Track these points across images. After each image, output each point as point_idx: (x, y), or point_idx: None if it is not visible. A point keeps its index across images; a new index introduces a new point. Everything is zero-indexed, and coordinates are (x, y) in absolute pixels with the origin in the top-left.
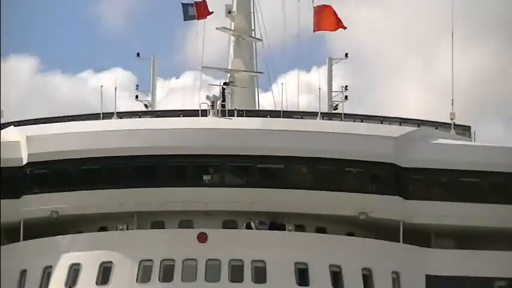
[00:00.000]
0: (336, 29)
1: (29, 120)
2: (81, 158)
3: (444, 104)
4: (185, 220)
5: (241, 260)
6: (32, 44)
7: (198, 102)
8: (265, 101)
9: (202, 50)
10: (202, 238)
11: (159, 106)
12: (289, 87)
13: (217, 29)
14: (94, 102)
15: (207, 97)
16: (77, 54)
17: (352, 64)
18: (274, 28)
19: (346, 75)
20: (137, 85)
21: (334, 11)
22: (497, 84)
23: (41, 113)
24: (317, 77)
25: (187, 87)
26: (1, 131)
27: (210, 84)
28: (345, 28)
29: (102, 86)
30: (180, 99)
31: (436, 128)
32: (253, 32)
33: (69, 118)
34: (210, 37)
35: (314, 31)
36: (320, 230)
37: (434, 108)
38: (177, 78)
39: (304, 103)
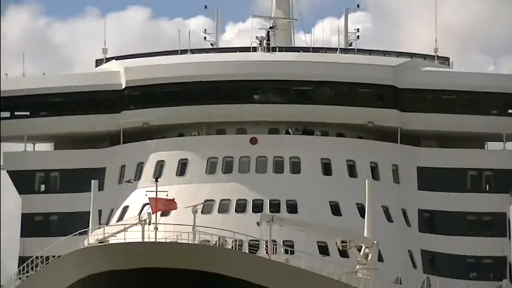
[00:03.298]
0: None
1: (127, 55)
2: (164, 83)
3: (443, 41)
4: (241, 128)
5: (282, 157)
6: None
7: (248, 41)
8: (305, 40)
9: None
10: (253, 141)
11: (229, 44)
12: (324, 30)
13: None
14: (186, 42)
15: (256, 37)
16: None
17: (376, 10)
18: None
19: (369, 20)
20: (205, 29)
21: None
22: (483, 26)
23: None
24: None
25: (246, 30)
26: (105, 64)
27: (259, 28)
28: None
29: (179, 30)
30: (244, 38)
31: (424, 59)
32: None
33: (157, 53)
34: None
35: None
36: (339, 135)
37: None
38: (243, 22)
39: (335, 41)
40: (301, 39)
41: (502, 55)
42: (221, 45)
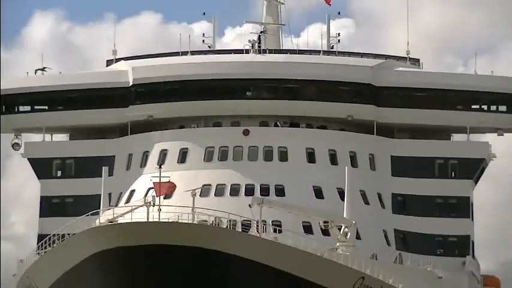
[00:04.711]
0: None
1: (134, 56)
2: (167, 81)
3: (420, 44)
4: (235, 121)
5: (271, 147)
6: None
7: (243, 44)
8: (291, 43)
9: (248, 9)
10: (246, 132)
11: (228, 47)
12: (311, 34)
13: None
14: (190, 44)
15: (249, 41)
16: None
17: (360, 17)
18: None
19: (352, 26)
20: (203, 33)
21: None
22: (457, 30)
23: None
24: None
25: (241, 34)
26: (115, 64)
27: (251, 33)
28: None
29: (180, 34)
30: (240, 42)
31: (397, 60)
32: None
33: (161, 55)
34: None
35: None
36: (322, 127)
37: (412, 47)
38: (240, 26)
39: (320, 45)
40: (290, 42)
41: (471, 57)
42: (219, 48)
